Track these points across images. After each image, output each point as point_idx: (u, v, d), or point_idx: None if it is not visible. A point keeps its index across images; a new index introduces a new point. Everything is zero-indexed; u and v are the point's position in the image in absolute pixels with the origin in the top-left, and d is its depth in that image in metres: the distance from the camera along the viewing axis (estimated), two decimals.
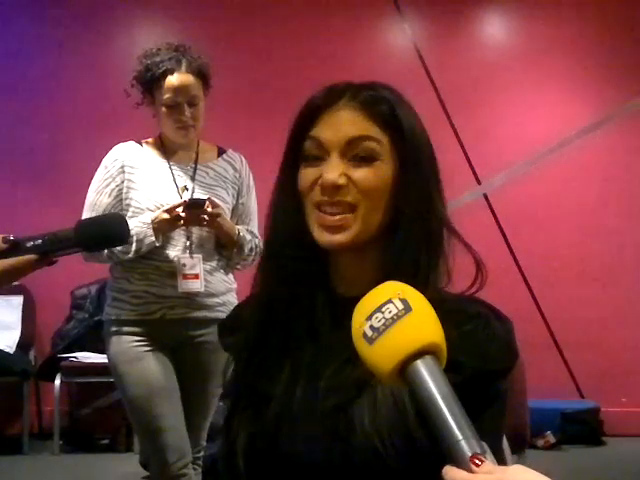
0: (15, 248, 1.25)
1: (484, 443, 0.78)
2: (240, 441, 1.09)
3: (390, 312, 0.84)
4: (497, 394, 1.05)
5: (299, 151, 1.12)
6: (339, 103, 1.11)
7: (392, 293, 0.86)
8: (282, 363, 1.11)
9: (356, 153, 1.09)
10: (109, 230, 1.36)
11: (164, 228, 2.52)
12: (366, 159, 1.09)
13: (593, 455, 4.66)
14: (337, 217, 1.08)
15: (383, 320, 0.84)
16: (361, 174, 1.09)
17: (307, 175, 1.11)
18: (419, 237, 1.09)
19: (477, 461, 0.76)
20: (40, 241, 1.27)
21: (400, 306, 0.84)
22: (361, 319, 0.86)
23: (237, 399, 1.14)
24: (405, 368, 0.82)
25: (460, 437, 0.77)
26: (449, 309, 1.02)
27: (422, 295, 0.87)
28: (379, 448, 0.99)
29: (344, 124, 1.10)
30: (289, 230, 1.13)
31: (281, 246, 1.14)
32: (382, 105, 1.11)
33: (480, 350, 1.01)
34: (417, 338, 0.82)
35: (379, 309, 0.85)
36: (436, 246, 1.11)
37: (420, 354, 0.82)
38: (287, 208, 1.13)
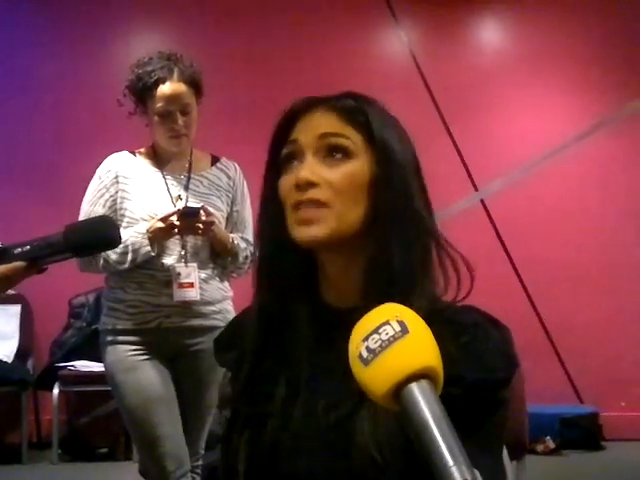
0: (3, 255, 1.23)
1: (476, 470, 0.77)
2: (240, 460, 1.09)
3: (387, 334, 0.83)
4: (498, 404, 1.04)
5: (279, 159, 1.14)
6: (311, 110, 1.13)
7: (390, 315, 0.85)
8: (279, 379, 1.11)
9: (328, 150, 1.10)
10: (98, 233, 1.34)
11: (159, 237, 2.52)
12: (340, 158, 1.10)
13: (592, 460, 4.66)
14: (310, 212, 1.08)
15: (380, 342, 0.83)
16: (334, 174, 1.09)
17: (285, 181, 1.12)
18: (398, 240, 1.08)
19: None
20: (28, 247, 1.25)
21: (397, 328, 0.83)
22: (358, 340, 0.85)
23: (234, 417, 1.14)
24: (400, 391, 0.81)
25: (451, 463, 0.76)
26: (445, 319, 1.02)
27: (420, 318, 0.86)
28: (378, 460, 0.98)
29: (316, 124, 1.12)
30: (276, 241, 1.13)
31: (269, 259, 1.14)
32: (355, 108, 1.12)
33: (479, 361, 1.01)
34: (413, 361, 0.81)
35: (376, 330, 0.84)
36: (420, 251, 1.10)
37: (415, 377, 0.81)
38: (273, 220, 1.13)
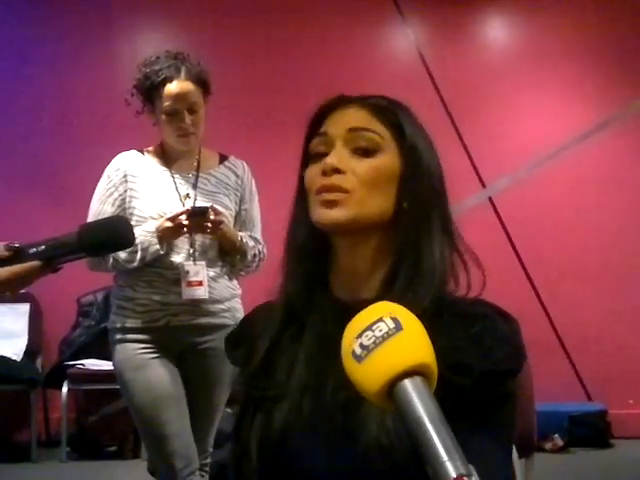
0: (18, 255, 1.24)
1: (471, 466, 0.76)
2: (252, 444, 1.10)
3: (381, 330, 0.83)
4: (506, 396, 1.05)
5: (307, 154, 1.16)
6: (344, 105, 1.16)
7: (384, 312, 0.85)
8: (291, 370, 1.12)
9: (358, 144, 1.12)
10: (112, 233, 1.34)
11: (168, 236, 2.53)
12: (368, 151, 1.12)
13: (601, 458, 4.65)
14: (333, 194, 1.10)
15: (373, 338, 0.83)
16: (362, 165, 1.11)
17: (311, 171, 1.14)
18: (421, 236, 1.10)
19: None
20: (43, 247, 1.25)
21: (391, 325, 0.83)
22: (351, 337, 0.85)
23: (246, 406, 1.15)
24: (393, 388, 0.81)
25: (445, 458, 0.76)
26: (455, 312, 1.03)
27: (414, 315, 0.86)
28: (384, 443, 0.99)
29: (347, 118, 1.14)
30: (302, 232, 1.16)
31: (297, 251, 1.17)
32: (386, 107, 1.15)
33: (488, 352, 1.01)
34: (406, 358, 0.81)
35: (370, 327, 0.84)
36: (440, 250, 1.11)
37: (409, 374, 0.81)
38: (302, 214, 1.16)
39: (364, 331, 0.84)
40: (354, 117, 1.14)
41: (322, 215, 1.10)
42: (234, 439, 1.15)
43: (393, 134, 1.13)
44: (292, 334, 1.14)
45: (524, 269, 5.21)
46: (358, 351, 0.83)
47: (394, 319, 0.84)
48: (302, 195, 1.16)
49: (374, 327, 0.83)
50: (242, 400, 1.16)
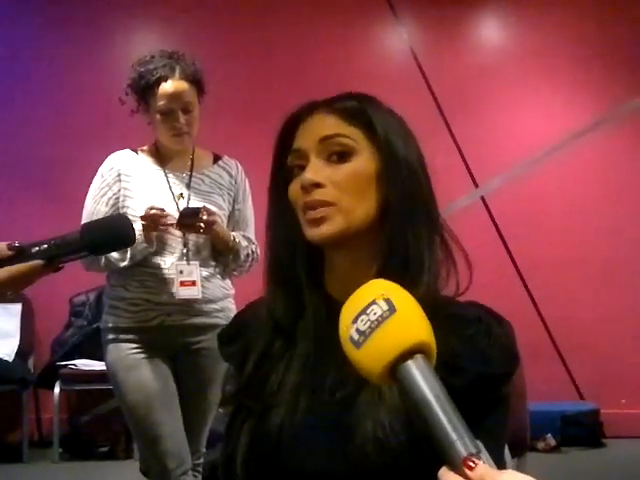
0: (21, 254, 1.24)
1: (479, 442, 0.77)
2: (240, 449, 1.10)
3: (375, 314, 0.83)
4: (500, 398, 1.05)
5: (284, 168, 1.16)
6: (311, 113, 1.15)
7: (376, 293, 0.85)
8: (285, 371, 1.12)
9: (331, 151, 1.12)
10: (114, 232, 1.34)
11: (148, 233, 2.51)
12: (342, 156, 1.11)
13: (593, 457, 4.66)
14: (317, 211, 1.10)
15: (368, 323, 0.83)
16: (339, 173, 1.11)
17: (293, 186, 1.14)
18: (409, 230, 1.10)
19: (471, 463, 0.76)
20: (45, 246, 1.25)
21: (384, 307, 0.83)
22: (347, 322, 0.85)
23: (239, 408, 1.15)
24: (395, 369, 0.81)
25: (454, 437, 0.77)
26: (449, 314, 1.03)
27: (407, 293, 0.86)
28: (381, 438, 0.99)
29: (316, 128, 1.13)
30: (285, 243, 1.16)
31: (279, 261, 1.16)
32: (353, 107, 1.14)
33: (482, 355, 1.02)
34: (404, 339, 0.81)
35: (364, 311, 0.84)
36: (427, 243, 1.11)
37: (409, 354, 0.81)
38: (282, 222, 1.16)
39: (359, 315, 0.84)
40: (323, 125, 1.13)
41: (313, 233, 1.10)
42: (225, 440, 1.15)
43: (365, 133, 1.12)
44: (282, 344, 1.14)
45: (517, 269, 5.22)
46: (355, 337, 0.84)
47: (387, 300, 0.84)
48: (283, 207, 1.15)
49: (368, 310, 0.84)
50: (233, 407, 1.15)
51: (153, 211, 2.50)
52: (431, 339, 0.83)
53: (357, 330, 0.84)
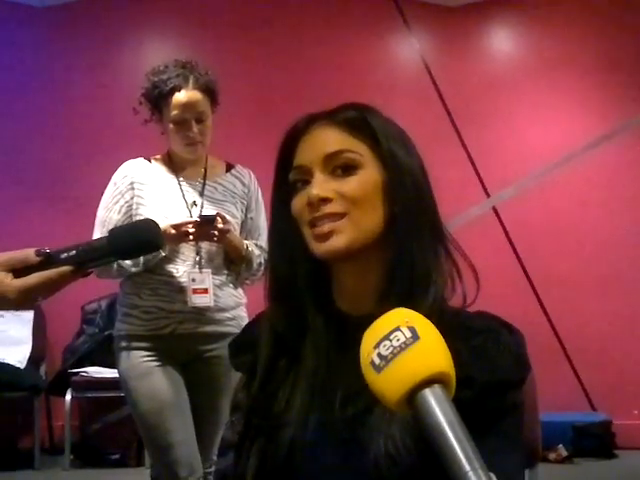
0: (49, 260, 1.25)
1: (492, 474, 0.77)
2: (250, 471, 1.09)
3: (398, 340, 0.84)
4: (511, 407, 1.05)
5: (287, 182, 1.15)
6: (312, 127, 1.14)
7: (400, 320, 0.86)
8: (292, 389, 1.11)
9: (336, 165, 1.11)
10: (142, 236, 1.35)
11: (170, 242, 2.53)
12: (348, 169, 1.11)
13: (605, 468, 4.63)
14: (327, 226, 1.09)
15: (391, 348, 0.83)
16: (346, 185, 1.10)
17: (297, 202, 1.13)
18: (415, 241, 1.09)
19: None
20: (74, 252, 1.26)
21: (408, 334, 0.84)
22: (369, 347, 0.86)
23: (248, 425, 1.14)
24: (413, 397, 0.82)
25: (468, 468, 0.77)
26: (456, 324, 1.03)
27: (430, 323, 0.86)
28: (392, 452, 0.99)
29: (319, 144, 1.12)
30: (289, 259, 1.15)
31: (284, 275, 1.15)
32: (355, 119, 1.13)
33: (490, 363, 1.01)
34: (425, 367, 0.82)
35: (387, 337, 0.84)
36: (433, 253, 1.11)
37: (428, 383, 0.81)
38: (285, 237, 1.15)
39: (382, 340, 0.85)
40: (327, 141, 1.12)
41: (321, 248, 1.10)
42: (235, 458, 1.14)
43: (369, 145, 1.12)
44: (286, 361, 1.13)
45: (528, 279, 5.21)
46: (377, 361, 0.84)
47: (411, 328, 0.84)
48: (285, 221, 1.15)
49: (391, 337, 0.84)
50: (242, 426, 1.14)
51: (172, 230, 2.50)
52: (451, 370, 0.83)
53: (379, 355, 0.84)
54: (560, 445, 4.66)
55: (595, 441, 4.79)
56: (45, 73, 5.26)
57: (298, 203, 1.12)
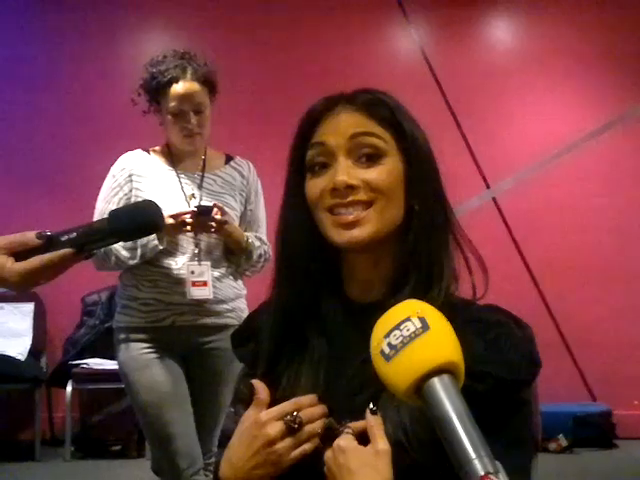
0: (50, 243, 1.24)
1: (498, 463, 0.78)
2: None
3: (408, 330, 0.85)
4: (520, 403, 1.05)
5: (303, 162, 1.12)
6: (336, 108, 1.12)
7: (411, 311, 0.87)
8: (299, 373, 1.11)
9: (362, 152, 1.09)
10: (142, 218, 1.33)
11: (168, 233, 2.52)
12: (373, 158, 1.09)
13: (605, 458, 4.64)
14: (353, 215, 1.07)
15: (401, 338, 0.84)
16: (372, 174, 1.08)
17: (315, 185, 1.10)
18: (431, 234, 1.09)
19: None
20: (75, 234, 1.25)
21: (418, 324, 0.85)
22: (380, 336, 0.87)
23: None
24: (422, 386, 0.83)
25: (474, 456, 0.78)
26: (469, 317, 1.03)
27: (441, 314, 0.87)
28: (402, 440, 0.99)
29: (344, 125, 1.10)
30: (301, 242, 1.13)
31: (294, 258, 1.13)
32: (380, 106, 1.12)
33: (504, 359, 1.01)
34: (434, 357, 0.83)
35: (397, 327, 0.85)
36: (446, 247, 1.11)
37: (437, 372, 0.82)
38: (297, 221, 1.13)
39: (392, 330, 0.86)
40: (351, 122, 1.10)
41: (343, 237, 1.08)
42: None
43: (393, 135, 1.10)
44: (292, 346, 1.13)
45: (528, 269, 5.21)
46: (387, 350, 0.85)
47: (421, 319, 0.85)
48: (298, 204, 1.12)
49: (402, 326, 0.85)
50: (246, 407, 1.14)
51: (170, 220, 2.50)
52: (460, 361, 0.84)
53: (389, 344, 0.85)
54: (560, 435, 4.67)
55: (595, 431, 4.80)
56: (43, 63, 5.24)
57: (317, 187, 1.10)
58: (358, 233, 1.07)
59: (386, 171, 1.09)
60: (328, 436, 1.02)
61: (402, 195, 1.10)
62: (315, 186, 1.10)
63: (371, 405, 0.98)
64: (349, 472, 0.95)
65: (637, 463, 4.47)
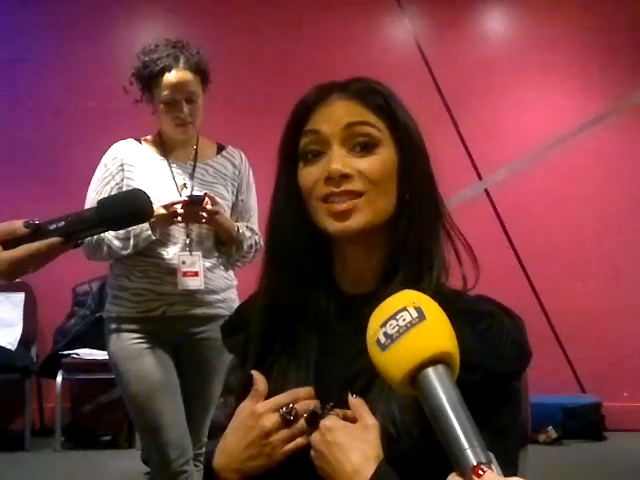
0: (38, 232, 1.23)
1: (490, 453, 0.79)
2: None
3: (404, 320, 0.85)
4: (510, 394, 1.05)
5: (295, 150, 1.12)
6: (331, 97, 1.12)
7: (407, 301, 0.87)
8: (289, 364, 1.11)
9: (357, 141, 1.09)
10: (131, 206, 1.32)
11: (161, 223, 2.52)
12: (367, 147, 1.09)
13: (594, 450, 4.67)
14: (346, 204, 1.07)
15: (397, 327, 0.85)
16: (366, 164, 1.08)
17: (309, 173, 1.10)
18: (422, 225, 1.09)
19: (480, 471, 0.77)
20: (63, 223, 1.24)
21: (414, 314, 0.85)
22: (376, 326, 0.87)
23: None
24: (417, 376, 0.83)
25: (466, 446, 0.78)
26: (460, 308, 1.02)
27: (437, 304, 0.87)
28: (392, 432, 0.99)
29: (339, 113, 1.10)
30: (292, 231, 1.12)
31: (284, 247, 1.12)
32: (374, 94, 1.11)
33: (495, 350, 1.01)
34: (429, 346, 0.83)
35: (393, 316, 0.86)
36: (436, 237, 1.11)
37: (432, 362, 0.83)
38: (288, 210, 1.12)
39: (388, 320, 0.86)
40: (347, 111, 1.09)
41: (337, 226, 1.07)
42: None
43: (387, 124, 1.10)
44: (282, 338, 1.12)
45: (519, 261, 5.22)
46: (382, 340, 0.85)
47: (417, 308, 0.85)
48: (289, 193, 1.12)
49: (398, 316, 0.85)
50: (235, 406, 1.12)
51: (161, 210, 2.49)
52: (456, 352, 0.84)
53: (385, 333, 0.85)
54: (550, 427, 4.69)
55: (585, 423, 4.82)
56: (37, 53, 5.20)
57: (310, 175, 1.09)
58: (351, 222, 1.07)
59: (380, 161, 1.08)
60: (313, 421, 1.02)
61: (394, 185, 1.09)
62: (309, 174, 1.10)
63: (351, 395, 1.00)
64: (339, 447, 0.96)
65: (626, 455, 4.50)
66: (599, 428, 4.86)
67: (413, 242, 1.08)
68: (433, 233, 1.10)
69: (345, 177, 1.07)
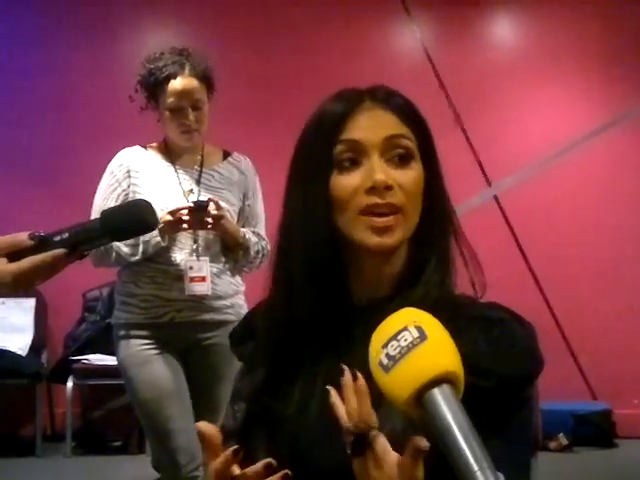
0: (43, 244, 1.23)
1: (500, 474, 0.78)
2: (258, 456, 1.08)
3: (406, 340, 0.84)
4: (524, 400, 1.05)
5: (325, 159, 1.08)
6: (363, 105, 1.10)
7: (408, 320, 0.86)
8: (297, 377, 1.10)
9: (395, 153, 1.08)
10: (135, 217, 1.32)
11: (167, 229, 2.53)
12: (404, 160, 1.08)
13: (605, 457, 4.64)
14: (388, 218, 1.06)
15: (399, 348, 0.84)
16: (405, 177, 1.07)
17: (347, 182, 1.07)
18: (439, 235, 1.10)
19: None
20: (67, 235, 1.25)
21: (415, 334, 0.84)
22: (378, 347, 0.86)
23: (251, 417, 1.12)
24: (422, 397, 0.82)
25: (476, 468, 0.77)
26: (472, 315, 1.02)
27: (439, 322, 0.86)
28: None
29: (381, 124, 1.08)
30: (316, 242, 1.09)
31: (306, 261, 1.09)
32: (407, 107, 1.11)
33: (508, 357, 1.01)
34: (432, 367, 0.82)
35: (395, 337, 0.85)
36: (450, 246, 1.11)
37: (436, 383, 0.82)
38: (314, 218, 1.09)
39: (389, 341, 0.85)
40: (386, 122, 1.08)
41: (375, 241, 1.06)
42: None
43: (417, 136, 1.10)
44: (292, 346, 1.11)
45: (529, 268, 5.20)
46: (385, 361, 0.84)
47: (418, 328, 0.84)
48: (316, 201, 1.08)
49: (399, 337, 0.84)
50: (246, 412, 1.13)
51: (168, 217, 2.50)
52: (460, 370, 0.83)
53: (387, 355, 0.84)
54: (560, 434, 4.67)
55: (595, 430, 4.79)
56: (42, 60, 5.22)
57: (349, 184, 1.07)
58: (388, 238, 1.06)
59: (415, 175, 1.08)
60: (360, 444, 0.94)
61: (420, 200, 1.09)
62: (347, 183, 1.07)
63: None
64: None
65: (637, 462, 4.47)
66: (610, 435, 4.83)
67: (430, 256, 1.09)
68: (448, 242, 1.11)
69: (389, 189, 1.06)
